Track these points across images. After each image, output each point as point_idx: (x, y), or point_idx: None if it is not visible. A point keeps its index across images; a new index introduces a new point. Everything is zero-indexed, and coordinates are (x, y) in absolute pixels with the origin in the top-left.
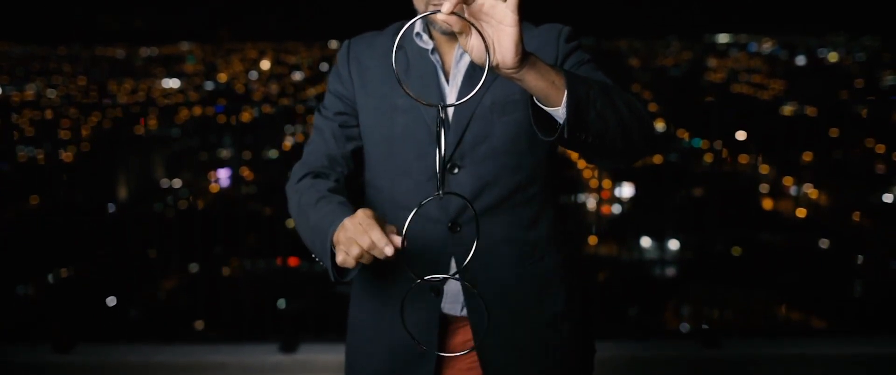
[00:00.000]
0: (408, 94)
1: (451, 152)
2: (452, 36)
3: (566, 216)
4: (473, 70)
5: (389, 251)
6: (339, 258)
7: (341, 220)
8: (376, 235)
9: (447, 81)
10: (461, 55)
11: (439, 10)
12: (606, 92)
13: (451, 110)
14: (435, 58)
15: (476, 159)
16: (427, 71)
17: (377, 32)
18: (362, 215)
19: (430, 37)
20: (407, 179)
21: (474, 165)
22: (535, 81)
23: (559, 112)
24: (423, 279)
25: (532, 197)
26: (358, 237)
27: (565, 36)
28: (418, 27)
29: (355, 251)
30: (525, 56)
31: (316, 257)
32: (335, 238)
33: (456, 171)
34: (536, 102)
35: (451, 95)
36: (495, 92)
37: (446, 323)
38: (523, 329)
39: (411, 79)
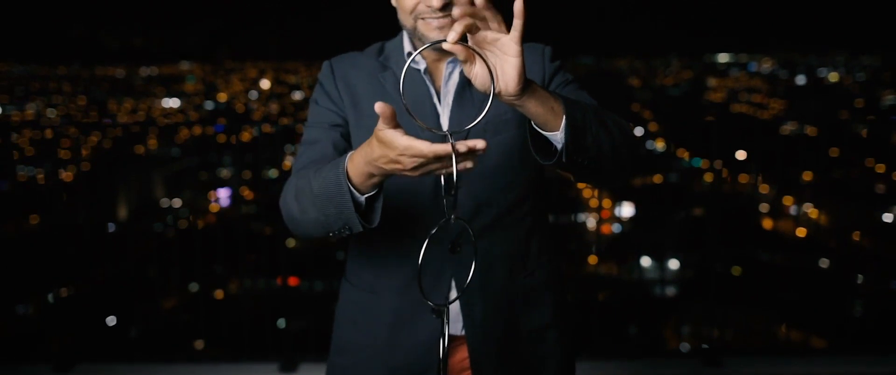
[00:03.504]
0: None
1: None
2: (443, 56)
3: (555, 230)
4: (463, 90)
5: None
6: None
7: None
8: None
9: (439, 100)
10: (450, 75)
11: (444, 40)
12: (599, 115)
13: (445, 130)
14: (427, 78)
15: (471, 179)
16: (420, 91)
17: (357, 53)
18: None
19: (422, 57)
20: (405, 199)
21: (470, 185)
22: (535, 107)
23: (556, 136)
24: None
25: (525, 214)
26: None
27: (549, 55)
28: (408, 47)
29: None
30: (527, 84)
31: (335, 232)
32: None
33: (452, 192)
34: (534, 126)
35: (442, 114)
36: (488, 112)
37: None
38: (514, 339)
39: (405, 100)
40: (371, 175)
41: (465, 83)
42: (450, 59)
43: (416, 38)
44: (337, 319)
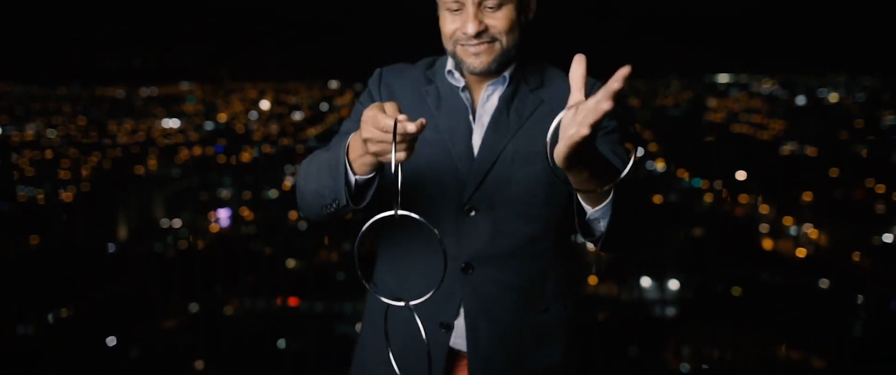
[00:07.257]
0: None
1: (470, 195)
2: (485, 77)
3: (578, 270)
4: (500, 114)
5: (391, 112)
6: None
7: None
8: (379, 115)
9: (474, 119)
10: (488, 97)
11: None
12: (637, 203)
13: (475, 151)
14: (465, 96)
15: (493, 204)
16: (458, 108)
17: (408, 65)
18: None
19: (462, 75)
20: (428, 210)
21: (491, 210)
22: (578, 183)
23: (591, 211)
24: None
25: (544, 249)
26: (370, 121)
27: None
28: (450, 65)
29: (373, 133)
30: (574, 163)
31: (327, 205)
32: (351, 145)
33: (473, 213)
34: (579, 199)
35: (476, 133)
36: (518, 142)
37: (454, 358)
38: (520, 374)
39: (442, 115)
40: (365, 152)
41: (502, 107)
42: (491, 81)
43: (456, 61)
44: (363, 322)
